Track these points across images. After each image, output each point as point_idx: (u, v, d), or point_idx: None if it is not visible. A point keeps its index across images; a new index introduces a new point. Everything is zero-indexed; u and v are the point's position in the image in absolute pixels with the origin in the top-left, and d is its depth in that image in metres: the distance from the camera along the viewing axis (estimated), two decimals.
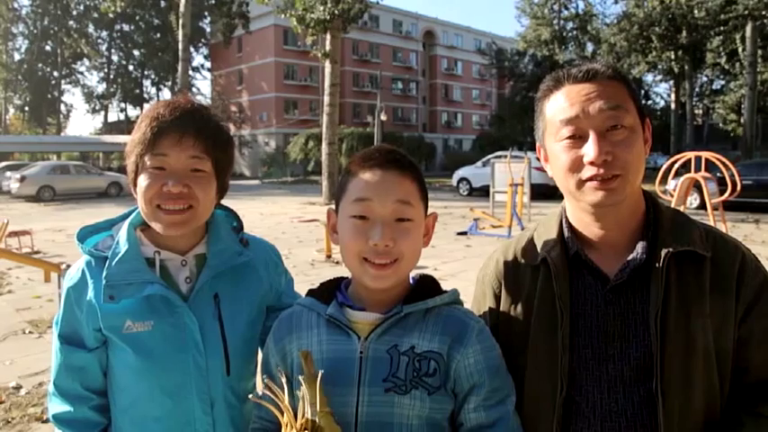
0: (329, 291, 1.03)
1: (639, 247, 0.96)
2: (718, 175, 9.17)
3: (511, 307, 1.04)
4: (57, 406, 1.09)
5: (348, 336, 0.95)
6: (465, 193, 21.58)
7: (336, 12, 16.93)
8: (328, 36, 17.87)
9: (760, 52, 29.27)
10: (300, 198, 20.17)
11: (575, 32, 43.40)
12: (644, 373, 0.91)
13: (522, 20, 45.76)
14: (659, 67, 38.67)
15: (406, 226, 0.94)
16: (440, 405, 0.93)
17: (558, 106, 0.98)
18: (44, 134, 47.21)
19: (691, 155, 9.53)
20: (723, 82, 41.48)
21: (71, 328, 1.08)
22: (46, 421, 3.30)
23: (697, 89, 44.41)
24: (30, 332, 4.99)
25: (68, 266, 4.92)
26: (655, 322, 0.91)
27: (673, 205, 7.74)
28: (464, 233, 10.62)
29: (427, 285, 1.02)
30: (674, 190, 9.32)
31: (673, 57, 35.64)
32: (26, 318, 5.41)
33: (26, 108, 50.32)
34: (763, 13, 23.72)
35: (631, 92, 0.98)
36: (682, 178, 9.39)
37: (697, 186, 10.30)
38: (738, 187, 9.47)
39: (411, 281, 1.03)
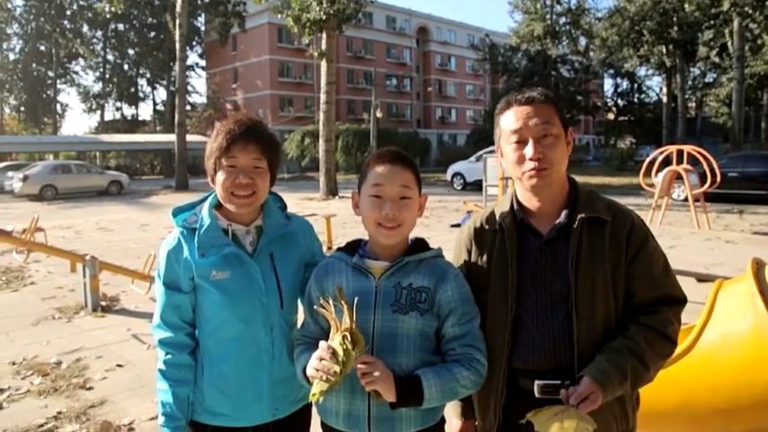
0: (352, 247, 1.48)
1: (563, 214, 1.41)
2: (709, 167, 9.60)
3: (478, 258, 1.49)
4: (161, 333, 1.54)
5: (367, 276, 1.40)
6: (459, 187, 22.00)
7: (332, 12, 17.31)
8: (324, 35, 18.26)
9: (748, 46, 29.76)
10: (298, 194, 20.58)
11: (567, 27, 43.76)
12: (564, 298, 1.37)
13: (515, 15, 46.15)
14: (651, 60, 39.12)
15: (406, 202, 1.40)
16: (428, 322, 1.38)
17: (508, 120, 1.43)
18: (40, 134, 47.34)
19: (672, 148, 10.01)
20: (715, 75, 42.00)
21: (171, 278, 1.53)
22: (89, 389, 3.76)
23: (690, 82, 44.85)
24: (59, 317, 5.43)
25: (93, 257, 5.36)
26: (571, 264, 1.37)
27: (656, 197, 8.21)
28: (457, 225, 11.09)
29: (420, 244, 1.48)
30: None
31: (664, 51, 36.09)
32: (53, 305, 5.85)
33: (22, 108, 50.37)
34: (747, 9, 24.21)
35: (558, 110, 1.43)
36: (664, 171, 9.87)
37: (681, 178, 10.77)
38: (718, 179, 9.94)
39: (409, 241, 1.48)
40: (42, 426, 3.19)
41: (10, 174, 23.72)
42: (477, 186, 18.98)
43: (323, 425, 1.46)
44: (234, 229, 1.55)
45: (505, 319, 1.41)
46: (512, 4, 44.65)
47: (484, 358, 1.39)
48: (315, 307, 1.36)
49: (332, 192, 19.22)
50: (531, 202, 1.46)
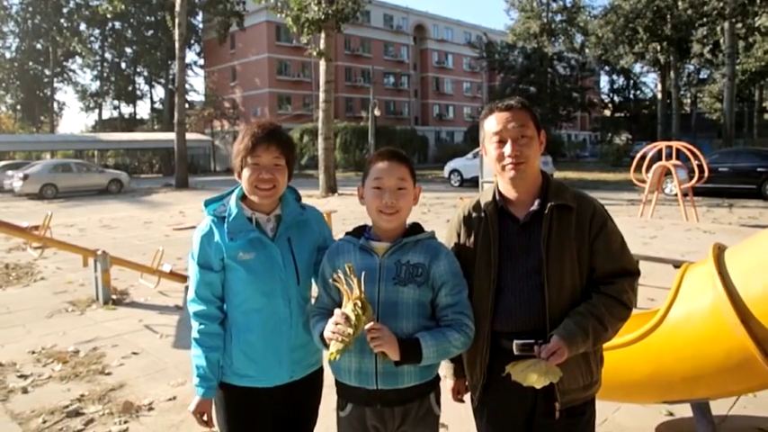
0: (359, 231, 1.74)
1: (536, 202, 1.67)
2: (696, 162, 9.82)
3: (466, 239, 1.75)
4: (196, 306, 1.79)
5: (371, 255, 1.66)
6: (456, 184, 22.23)
7: (330, 12, 17.53)
8: (322, 35, 18.47)
9: (742, 44, 30.05)
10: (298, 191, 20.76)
11: (563, 25, 44.03)
12: (537, 272, 1.63)
13: (512, 13, 46.54)
14: (646, 57, 39.35)
15: (403, 192, 1.65)
16: (425, 293, 1.64)
17: (491, 124, 1.69)
18: (37, 132, 47.45)
19: (662, 144, 10.27)
20: (709, 71, 42.29)
21: (204, 259, 1.78)
22: (108, 374, 4.01)
23: (684, 79, 45.17)
24: (72, 310, 5.67)
25: (104, 252, 5.60)
26: (543, 244, 1.62)
27: (646, 191, 8.49)
28: None
29: (416, 228, 1.73)
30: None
31: (658, 48, 36.33)
32: (65, 299, 6.09)
33: (18, 107, 50.42)
34: (734, 12, 24.61)
35: (532, 115, 1.69)
36: (654, 166, 10.12)
37: (671, 174, 11.00)
38: (706, 174, 10.19)
39: (406, 225, 1.74)
40: (67, 407, 3.44)
41: (10, 173, 23.89)
42: (474, 183, 19.22)
43: (337, 383, 1.72)
44: (257, 217, 1.80)
45: (489, 290, 1.67)
46: (508, 2, 44.94)
47: (472, 323, 1.64)
48: (329, 280, 1.62)
49: (331, 189, 19.46)
50: (510, 192, 1.72)
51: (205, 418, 1.76)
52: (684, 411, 3.03)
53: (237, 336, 1.78)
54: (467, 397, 1.89)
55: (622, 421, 3.15)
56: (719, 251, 2.53)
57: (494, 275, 1.67)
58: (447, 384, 1.90)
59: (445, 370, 1.88)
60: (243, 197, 1.82)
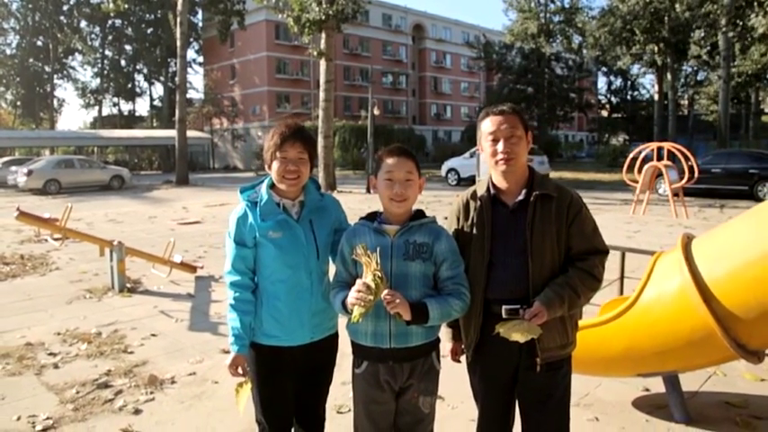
0: (372, 216, 2.05)
1: (523, 192, 1.98)
2: (688, 163, 10.14)
3: (464, 224, 2.06)
4: (232, 277, 2.10)
5: (384, 236, 1.97)
6: (454, 183, 22.52)
7: (331, 12, 17.82)
8: (323, 35, 18.76)
9: (739, 45, 30.40)
10: None
11: (561, 25, 44.33)
12: (523, 250, 1.94)
13: (510, 13, 46.91)
14: (643, 58, 39.64)
15: (410, 183, 1.96)
16: (429, 267, 1.94)
17: (486, 125, 2.01)
18: (37, 129, 47.63)
19: (653, 145, 10.59)
20: (706, 73, 42.64)
21: (239, 237, 2.09)
22: (131, 353, 4.32)
23: (681, 80, 45.50)
24: (90, 297, 5.97)
25: (120, 243, 5.90)
26: (528, 226, 1.94)
27: (638, 191, 8.77)
28: None
29: (420, 213, 2.05)
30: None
31: (655, 49, 36.65)
32: (81, 287, 6.39)
33: (18, 103, 50.57)
34: (727, 13, 25.00)
35: (521, 118, 2.00)
36: (645, 167, 10.44)
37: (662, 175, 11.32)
38: (696, 174, 10.52)
39: (412, 211, 2.04)
40: (97, 380, 3.75)
41: (13, 168, 24.14)
42: (471, 182, 19.49)
43: (354, 344, 2.02)
44: (284, 202, 2.12)
45: (482, 264, 1.98)
46: (506, 3, 45.21)
47: (468, 292, 1.96)
48: (353, 256, 1.92)
49: (330, 186, 19.77)
50: (501, 183, 2.03)
51: (239, 370, 2.07)
52: (658, 387, 3.34)
53: (267, 302, 2.10)
54: (462, 361, 2.21)
55: (603, 396, 3.47)
56: (688, 240, 2.86)
57: (487, 252, 1.98)
58: (446, 347, 2.21)
59: (444, 335, 2.20)
60: (272, 185, 2.13)
